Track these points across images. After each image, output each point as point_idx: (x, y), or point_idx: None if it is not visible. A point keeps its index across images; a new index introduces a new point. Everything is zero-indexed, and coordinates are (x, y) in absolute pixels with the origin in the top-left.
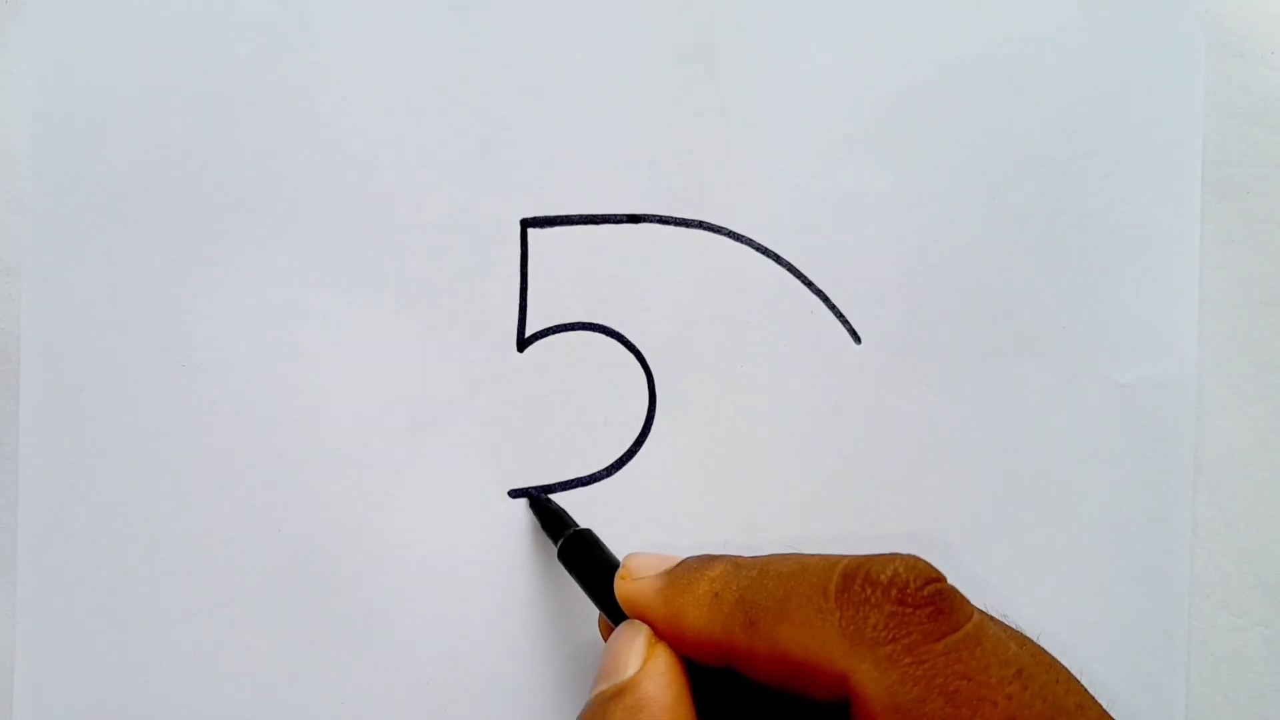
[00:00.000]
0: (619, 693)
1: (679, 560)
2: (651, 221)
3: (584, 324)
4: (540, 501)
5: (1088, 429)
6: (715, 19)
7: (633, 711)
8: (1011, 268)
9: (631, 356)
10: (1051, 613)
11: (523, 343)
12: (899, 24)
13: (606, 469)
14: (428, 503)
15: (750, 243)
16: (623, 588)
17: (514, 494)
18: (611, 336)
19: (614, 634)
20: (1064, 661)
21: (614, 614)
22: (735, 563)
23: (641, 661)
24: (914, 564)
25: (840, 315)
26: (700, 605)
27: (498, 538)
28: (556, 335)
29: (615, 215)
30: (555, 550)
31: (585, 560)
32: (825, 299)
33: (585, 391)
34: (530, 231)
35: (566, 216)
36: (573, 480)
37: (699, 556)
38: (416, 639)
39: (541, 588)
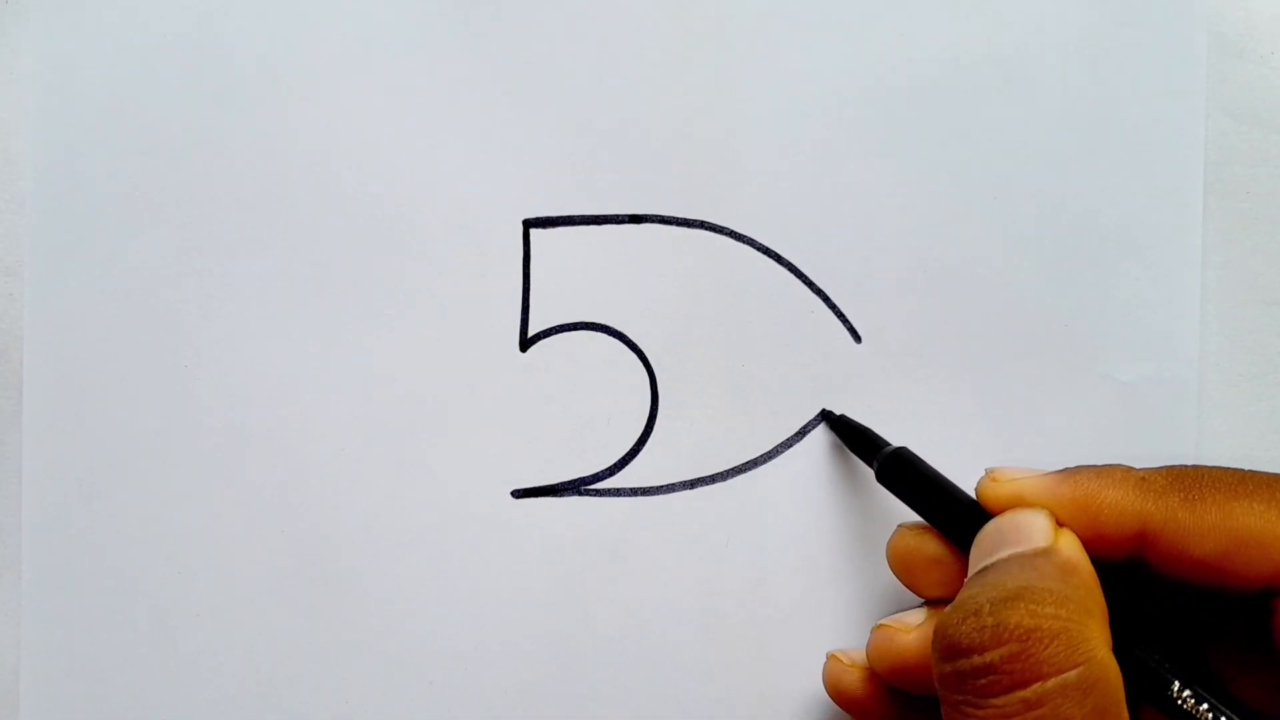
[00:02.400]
0: (1043, 554)
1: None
2: (653, 221)
3: (586, 324)
4: (843, 420)
5: (1088, 429)
6: (716, 19)
7: (1065, 572)
8: (1012, 267)
9: (633, 356)
10: None
11: (525, 343)
12: (899, 24)
13: (609, 468)
14: (429, 503)
15: (751, 242)
16: (1003, 486)
17: (519, 494)
18: (613, 336)
19: (1000, 517)
20: None
21: (949, 528)
22: (1136, 468)
23: (1052, 534)
24: None
25: (841, 315)
26: (1123, 485)
27: (499, 537)
28: (559, 335)
29: (617, 215)
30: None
31: (909, 476)
32: (826, 298)
33: (587, 391)
34: (532, 232)
35: (568, 217)
36: (575, 480)
37: (1083, 466)
38: (418, 639)
39: (542, 587)
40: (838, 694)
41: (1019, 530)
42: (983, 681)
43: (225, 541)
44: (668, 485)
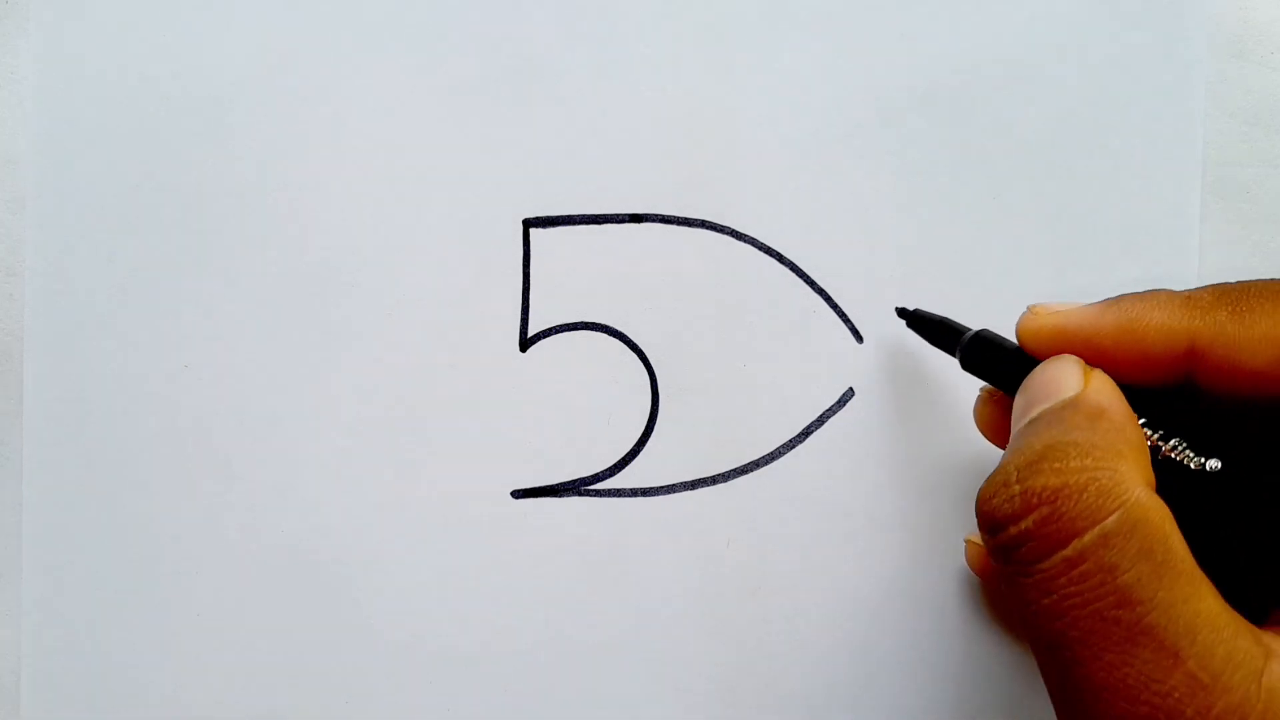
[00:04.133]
0: (1070, 405)
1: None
2: (653, 221)
3: (586, 324)
4: (920, 314)
5: None
6: (716, 19)
7: (1093, 418)
8: (1012, 267)
9: (634, 356)
10: None
11: (525, 343)
12: (899, 24)
13: (610, 468)
14: (429, 503)
15: (752, 242)
16: (1044, 319)
17: (519, 494)
18: (614, 336)
19: (1036, 369)
20: None
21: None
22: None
23: (1082, 381)
24: None
25: (842, 314)
26: (1169, 305)
27: (499, 538)
28: (559, 335)
29: (617, 215)
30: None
31: (993, 356)
32: (827, 298)
33: (588, 391)
34: (532, 231)
35: (569, 216)
36: (576, 480)
37: (1127, 294)
38: (418, 639)
39: (542, 587)
40: (986, 573)
41: (1049, 384)
42: (1024, 549)
43: (225, 541)
44: (668, 486)
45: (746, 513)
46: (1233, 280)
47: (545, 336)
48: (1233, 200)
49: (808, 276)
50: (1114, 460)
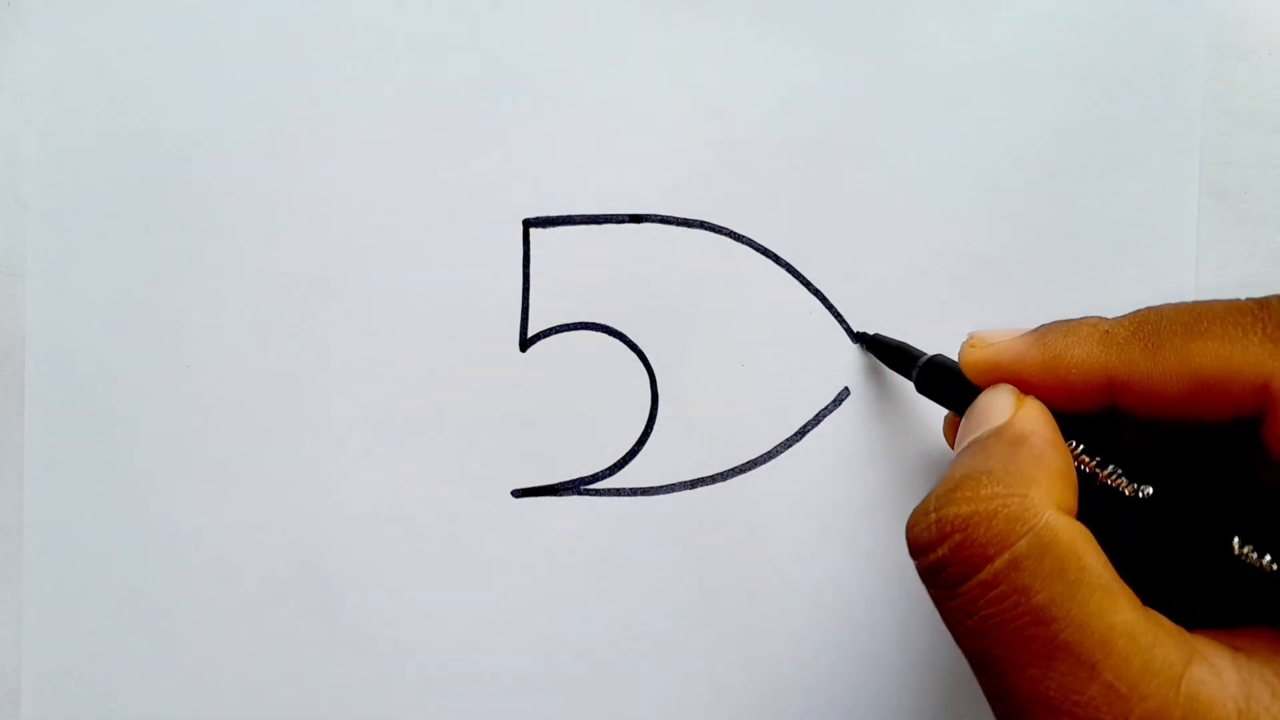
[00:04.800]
0: (994, 434)
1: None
2: (653, 221)
3: (586, 324)
4: (876, 339)
5: None
6: (716, 19)
7: (1013, 445)
8: (1010, 267)
9: (633, 356)
10: None
11: (525, 343)
12: (899, 24)
13: (609, 468)
14: (429, 503)
15: (750, 243)
16: (980, 352)
17: (519, 494)
18: (613, 336)
19: (976, 399)
20: None
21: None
22: (1106, 319)
23: (1013, 410)
24: None
25: (838, 315)
26: (1088, 342)
27: (499, 537)
28: (559, 335)
29: (617, 215)
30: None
31: (944, 382)
32: (824, 299)
33: (587, 391)
34: (532, 231)
35: (568, 216)
36: (575, 480)
37: (1056, 322)
38: (418, 639)
39: (542, 587)
40: None
41: (982, 413)
42: (943, 574)
43: (225, 541)
44: (668, 485)
45: (746, 512)
46: (1237, 290)
47: (545, 336)
48: (1230, 200)
49: (805, 277)
50: (1025, 486)
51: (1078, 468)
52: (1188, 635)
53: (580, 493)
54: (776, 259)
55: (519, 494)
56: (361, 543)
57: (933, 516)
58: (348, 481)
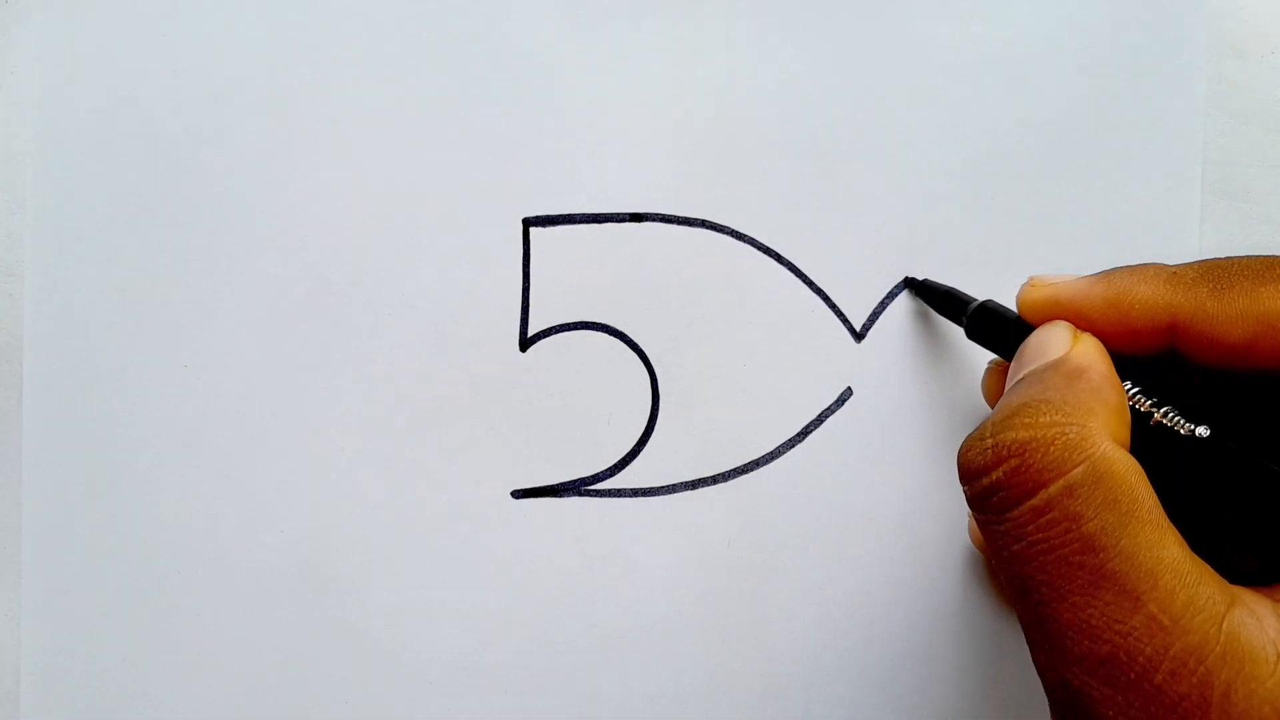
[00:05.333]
0: (1051, 366)
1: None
2: (654, 220)
3: (586, 323)
4: (925, 284)
5: None
6: (716, 19)
7: (1070, 378)
8: (1011, 267)
9: (634, 355)
10: None
11: (525, 342)
12: (899, 24)
13: (610, 468)
14: (430, 503)
15: (752, 241)
16: (1040, 290)
17: (519, 494)
18: (614, 335)
19: (1030, 334)
20: None
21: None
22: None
23: (1069, 345)
24: None
25: (841, 314)
26: (1154, 280)
27: (500, 538)
28: (559, 335)
29: (617, 214)
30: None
31: (996, 325)
32: (826, 298)
33: (588, 391)
34: (532, 230)
35: (569, 215)
36: (576, 480)
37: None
38: (418, 639)
39: (543, 587)
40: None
41: (1038, 347)
42: (996, 499)
43: (225, 541)
44: (669, 486)
45: (746, 512)
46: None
47: (545, 336)
48: (1232, 200)
49: (806, 276)
50: (1084, 417)
51: (1132, 407)
52: (1229, 584)
53: (581, 493)
54: (778, 258)
55: (519, 494)
56: (361, 542)
57: (989, 441)
58: (348, 481)
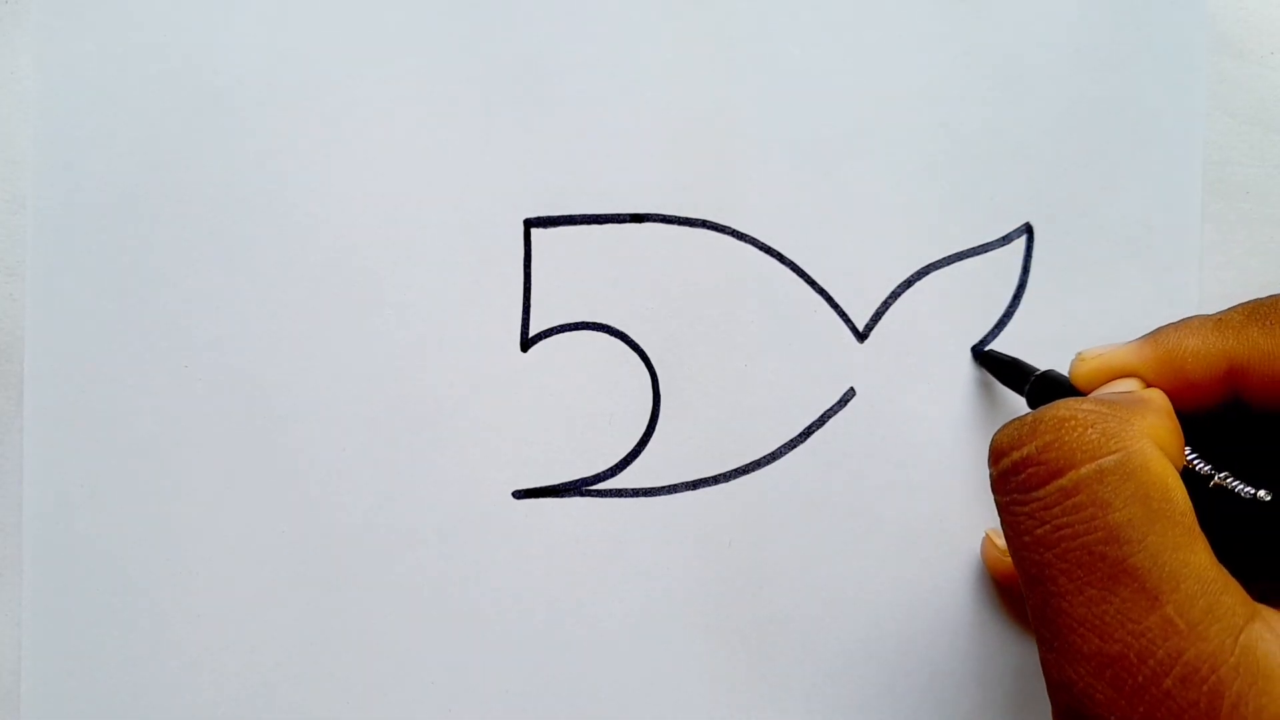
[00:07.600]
0: (1128, 395)
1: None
2: (655, 221)
3: (587, 324)
4: (990, 355)
5: None
6: (717, 19)
7: (1130, 397)
8: (1012, 267)
9: (635, 356)
10: None
11: (526, 343)
12: (899, 24)
13: (610, 469)
14: (430, 503)
15: (753, 242)
16: (1091, 362)
17: (520, 494)
18: (615, 336)
19: (1097, 390)
20: None
21: None
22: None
23: (1138, 388)
24: None
25: (843, 314)
26: (1202, 330)
27: (500, 538)
28: (560, 335)
29: (618, 215)
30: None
31: (1058, 394)
32: (828, 298)
33: (589, 391)
34: (533, 231)
35: (570, 216)
36: (577, 480)
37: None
38: (418, 639)
39: (543, 588)
40: (997, 572)
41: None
42: (1023, 476)
43: (225, 541)
44: (670, 486)
45: (748, 513)
46: (1239, 290)
47: (546, 336)
48: (1233, 200)
49: (808, 276)
50: (1128, 414)
51: (1191, 470)
52: (1251, 599)
53: (582, 494)
54: (780, 257)
55: (520, 495)
56: (361, 543)
57: (1028, 417)
58: (348, 482)
